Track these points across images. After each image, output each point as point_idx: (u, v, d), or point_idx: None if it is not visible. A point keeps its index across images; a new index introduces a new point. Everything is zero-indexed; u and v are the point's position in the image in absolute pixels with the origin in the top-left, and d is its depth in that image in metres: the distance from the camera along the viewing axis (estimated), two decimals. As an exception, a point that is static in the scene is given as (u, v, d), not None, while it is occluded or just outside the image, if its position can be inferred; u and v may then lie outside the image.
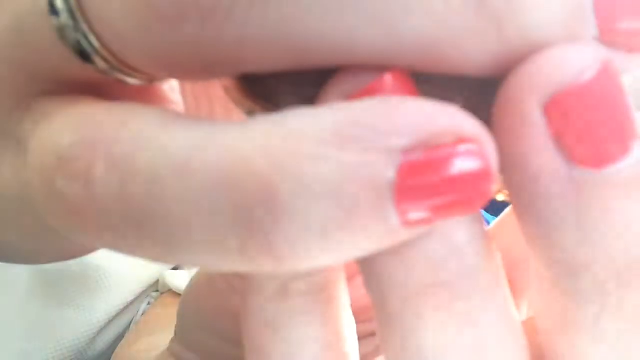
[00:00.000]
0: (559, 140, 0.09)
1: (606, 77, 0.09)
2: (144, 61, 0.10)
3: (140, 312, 0.43)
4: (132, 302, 0.43)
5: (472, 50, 0.09)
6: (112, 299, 0.42)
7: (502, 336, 0.11)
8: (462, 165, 0.09)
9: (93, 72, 0.11)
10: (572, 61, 0.09)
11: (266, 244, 0.09)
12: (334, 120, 0.09)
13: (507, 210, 0.16)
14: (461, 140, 0.09)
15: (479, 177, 0.09)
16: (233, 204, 0.08)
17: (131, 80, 0.11)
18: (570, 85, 0.09)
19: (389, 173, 0.08)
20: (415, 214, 0.09)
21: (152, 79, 0.12)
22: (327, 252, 0.09)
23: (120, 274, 0.43)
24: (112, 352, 0.39)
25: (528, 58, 0.09)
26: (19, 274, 0.41)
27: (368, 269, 0.11)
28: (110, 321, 0.41)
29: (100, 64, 0.11)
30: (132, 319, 0.43)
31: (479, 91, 0.11)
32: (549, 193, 0.10)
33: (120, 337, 0.41)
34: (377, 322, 0.11)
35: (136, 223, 0.09)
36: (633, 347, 0.11)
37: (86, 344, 0.40)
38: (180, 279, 0.43)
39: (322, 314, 0.13)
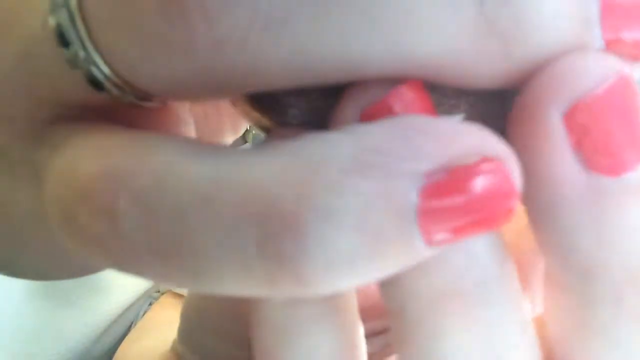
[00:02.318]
0: (578, 148, 0.09)
1: (623, 85, 0.09)
2: (155, 89, 0.10)
3: (142, 312, 0.43)
4: (134, 303, 0.43)
5: (482, 68, 0.09)
6: (114, 299, 0.42)
7: (518, 341, 0.11)
8: (486, 185, 0.09)
9: (106, 98, 0.11)
10: (592, 70, 0.09)
11: (294, 274, 0.09)
12: (354, 147, 0.09)
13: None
14: (485, 160, 0.09)
15: (503, 197, 0.09)
16: (260, 236, 0.09)
17: (145, 104, 0.11)
18: (590, 94, 0.09)
19: (412, 197, 0.08)
20: (439, 235, 0.09)
21: (165, 101, 0.12)
22: (355, 277, 0.09)
23: (122, 274, 0.42)
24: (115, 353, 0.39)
25: (544, 68, 0.09)
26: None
27: (387, 277, 0.11)
28: (114, 321, 0.41)
29: (113, 90, 0.11)
30: (134, 319, 0.43)
31: (484, 98, 0.11)
32: (568, 200, 0.10)
33: (123, 338, 0.41)
34: (393, 329, 0.12)
35: (162, 254, 0.09)
36: None
37: (90, 345, 0.40)
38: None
39: (333, 321, 0.13)
